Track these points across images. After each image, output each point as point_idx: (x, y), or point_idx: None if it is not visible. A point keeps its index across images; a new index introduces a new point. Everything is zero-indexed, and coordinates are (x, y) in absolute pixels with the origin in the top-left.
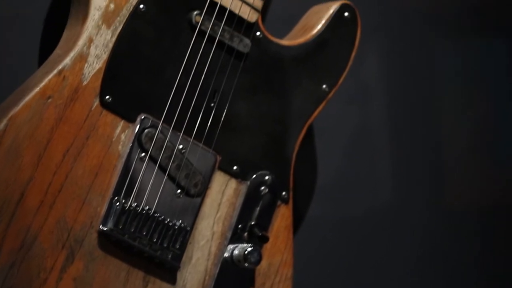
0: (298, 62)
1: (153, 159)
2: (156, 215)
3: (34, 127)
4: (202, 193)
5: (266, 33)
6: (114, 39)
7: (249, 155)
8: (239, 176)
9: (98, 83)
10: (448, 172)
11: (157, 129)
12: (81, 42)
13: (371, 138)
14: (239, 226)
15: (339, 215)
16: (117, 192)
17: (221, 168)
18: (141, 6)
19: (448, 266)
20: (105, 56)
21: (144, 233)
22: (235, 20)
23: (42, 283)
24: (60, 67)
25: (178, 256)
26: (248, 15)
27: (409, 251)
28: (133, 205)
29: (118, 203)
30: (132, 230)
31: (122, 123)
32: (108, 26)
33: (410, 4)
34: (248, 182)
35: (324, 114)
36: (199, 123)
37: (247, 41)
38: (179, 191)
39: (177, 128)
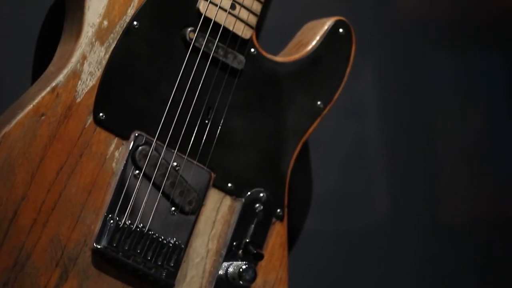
0: (293, 79)
1: (147, 177)
2: (150, 232)
3: (27, 144)
4: (196, 211)
5: (260, 49)
6: (107, 56)
7: (244, 172)
8: (234, 193)
9: (91, 101)
10: (444, 185)
11: (151, 146)
12: (74, 59)
13: (367, 152)
14: (234, 243)
15: (335, 229)
16: (111, 209)
17: (215, 186)
18: (135, 22)
19: (444, 279)
20: (98, 73)
21: (138, 251)
22: (229, 37)
23: None
24: (53, 84)
25: (173, 274)
26: (242, 31)
27: (406, 265)
28: (127, 222)
29: (112, 221)
30: (126, 247)
31: (116, 140)
32: (102, 43)
33: (404, 19)
34: (243, 199)
35: (320, 128)
36: (193, 140)
37: (241, 57)
38: (173, 208)
39: (171, 145)
